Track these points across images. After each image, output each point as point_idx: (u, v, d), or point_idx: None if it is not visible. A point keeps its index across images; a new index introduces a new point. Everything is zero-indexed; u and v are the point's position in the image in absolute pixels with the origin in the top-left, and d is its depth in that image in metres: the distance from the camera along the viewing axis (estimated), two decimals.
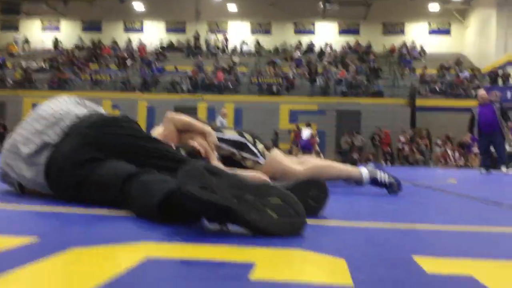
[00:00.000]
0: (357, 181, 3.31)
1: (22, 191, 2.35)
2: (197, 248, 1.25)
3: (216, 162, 2.97)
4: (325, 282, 0.96)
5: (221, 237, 1.41)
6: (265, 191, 1.45)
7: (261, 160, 3.24)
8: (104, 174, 1.97)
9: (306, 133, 17.56)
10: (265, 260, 1.14)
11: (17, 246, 1.19)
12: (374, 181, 3.21)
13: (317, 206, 1.88)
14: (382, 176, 3.20)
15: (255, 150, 3.25)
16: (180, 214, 1.60)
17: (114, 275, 0.94)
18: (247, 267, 1.03)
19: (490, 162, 10.21)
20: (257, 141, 3.31)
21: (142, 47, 26.97)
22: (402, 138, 19.91)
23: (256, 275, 0.98)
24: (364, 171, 3.25)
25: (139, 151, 2.12)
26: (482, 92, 10.52)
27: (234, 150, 3.22)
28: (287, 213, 1.44)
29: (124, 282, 0.91)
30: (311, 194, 1.85)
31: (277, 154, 3.35)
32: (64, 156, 2.06)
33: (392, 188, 3.17)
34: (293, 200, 1.47)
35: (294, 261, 1.17)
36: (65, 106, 2.33)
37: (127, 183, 1.85)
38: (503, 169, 9.84)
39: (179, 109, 21.12)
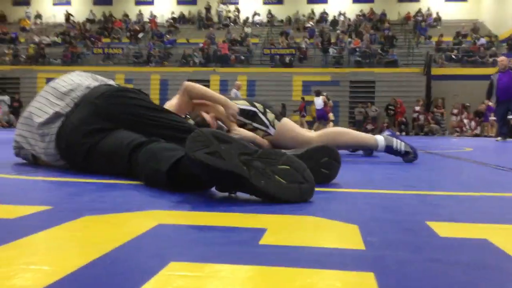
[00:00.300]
0: (372, 149, 3.28)
1: (36, 162, 2.39)
2: (209, 215, 1.26)
3: (236, 133, 2.96)
4: (337, 246, 0.96)
5: (233, 204, 1.41)
6: (273, 158, 1.44)
7: (271, 131, 3.21)
8: (112, 144, 1.98)
9: (318, 102, 17.13)
10: (277, 226, 1.14)
11: (32, 215, 1.21)
12: (389, 149, 3.17)
13: (329, 173, 1.87)
14: (398, 144, 3.16)
15: (265, 120, 3.22)
16: (188, 182, 1.59)
17: (127, 240, 0.94)
18: (259, 232, 1.03)
19: (507, 130, 10.12)
20: (267, 110, 3.26)
21: (153, 19, 26.78)
22: (417, 108, 19.68)
23: (267, 240, 0.97)
24: (379, 138, 3.20)
25: (148, 121, 2.12)
26: (502, 58, 10.36)
27: (246, 121, 3.20)
28: (296, 179, 1.44)
29: (137, 245, 0.92)
30: (323, 161, 1.83)
31: (287, 122, 3.31)
32: (73, 126, 2.07)
33: (408, 156, 3.14)
34: (301, 166, 1.46)
35: (306, 227, 1.16)
36: (77, 79, 2.34)
37: (135, 152, 1.85)
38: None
39: (192, 82, 21.06)
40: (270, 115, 3.25)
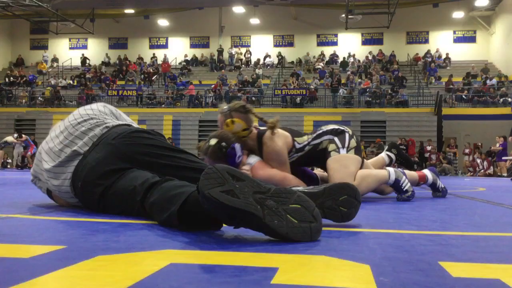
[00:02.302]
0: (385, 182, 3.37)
1: (50, 197, 2.42)
2: (221, 254, 1.26)
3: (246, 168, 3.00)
4: (349, 286, 0.95)
5: (244, 243, 1.42)
6: (285, 196, 1.45)
7: (342, 151, 3.24)
8: (126, 184, 2.00)
9: None
10: (288, 265, 1.14)
11: (46, 254, 1.22)
12: (396, 185, 3.31)
13: (347, 211, 1.79)
14: (404, 182, 3.32)
15: (346, 143, 3.27)
16: (200, 221, 1.60)
17: (140, 279, 0.95)
18: (270, 272, 1.04)
19: None
20: (354, 138, 3.36)
21: (165, 64, 27.27)
22: (428, 147, 19.60)
23: (279, 279, 0.98)
24: (391, 170, 3.34)
25: (163, 161, 2.15)
26: None
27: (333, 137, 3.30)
28: (306, 218, 1.44)
29: (150, 285, 0.92)
30: (342, 199, 1.78)
31: (349, 157, 3.31)
32: (90, 166, 2.10)
33: (405, 194, 3.30)
34: (311, 205, 1.47)
35: (317, 266, 1.16)
36: (98, 113, 2.39)
37: (148, 191, 1.87)
38: None
39: (203, 122, 21.34)
40: (353, 143, 3.30)
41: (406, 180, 3.32)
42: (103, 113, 2.47)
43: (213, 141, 2.83)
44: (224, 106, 3.20)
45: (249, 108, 3.18)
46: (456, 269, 1.10)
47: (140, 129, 2.33)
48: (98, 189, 2.06)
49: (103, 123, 2.31)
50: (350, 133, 3.36)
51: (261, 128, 3.26)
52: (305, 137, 3.33)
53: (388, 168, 3.38)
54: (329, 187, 1.78)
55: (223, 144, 2.83)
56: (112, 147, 2.15)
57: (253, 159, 3.21)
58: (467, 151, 18.99)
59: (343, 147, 3.25)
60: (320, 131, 3.36)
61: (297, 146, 3.27)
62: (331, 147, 3.25)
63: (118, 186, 2.02)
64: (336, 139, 3.28)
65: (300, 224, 1.43)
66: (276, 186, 1.49)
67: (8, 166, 19.09)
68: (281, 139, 3.17)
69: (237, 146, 2.86)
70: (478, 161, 18.14)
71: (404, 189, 3.30)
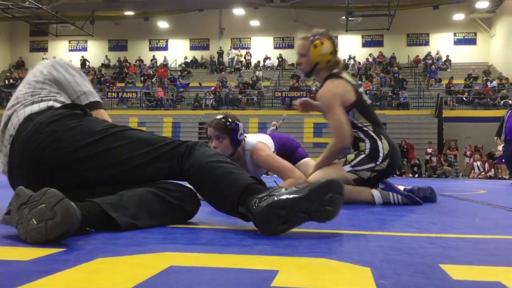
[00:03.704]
0: (370, 203, 3.09)
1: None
2: (221, 256, 1.26)
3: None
4: None
5: (245, 245, 1.41)
6: (37, 199, 1.40)
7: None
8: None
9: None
10: (289, 268, 1.14)
11: (46, 256, 1.22)
12: (387, 203, 3.07)
13: (333, 210, 1.65)
14: (395, 197, 3.08)
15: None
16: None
17: (140, 281, 0.95)
18: (270, 274, 1.03)
19: None
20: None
21: (161, 69, 27.15)
22: (429, 150, 19.60)
23: (279, 282, 0.97)
24: (376, 194, 3.08)
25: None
26: None
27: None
28: (45, 217, 1.35)
29: (150, 287, 0.92)
30: (327, 198, 1.63)
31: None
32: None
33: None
34: (52, 201, 1.35)
35: (318, 269, 1.16)
36: (22, 97, 1.89)
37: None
38: None
39: (204, 124, 21.36)
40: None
41: (395, 195, 3.08)
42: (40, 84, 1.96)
43: (219, 116, 3.20)
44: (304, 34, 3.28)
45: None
46: (457, 272, 1.10)
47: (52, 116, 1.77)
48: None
49: (21, 115, 1.81)
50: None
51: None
52: None
53: (372, 190, 3.10)
54: (314, 189, 1.63)
55: (229, 119, 3.15)
56: (23, 156, 1.73)
57: (254, 140, 3.26)
58: (468, 153, 18.99)
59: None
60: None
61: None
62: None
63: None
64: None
65: (38, 225, 1.34)
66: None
67: None
68: (340, 87, 3.15)
69: (241, 125, 3.14)
70: (478, 163, 18.14)
71: (400, 203, 3.06)
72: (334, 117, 3.08)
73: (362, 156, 3.10)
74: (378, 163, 3.08)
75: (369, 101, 3.37)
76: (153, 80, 26.24)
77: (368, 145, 3.11)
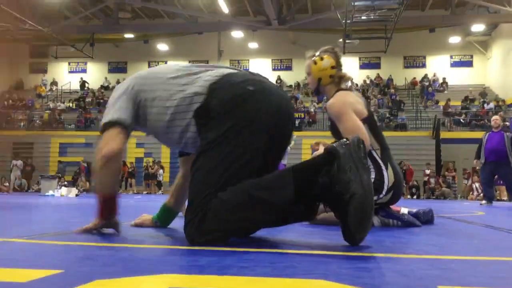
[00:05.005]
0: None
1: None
2: (219, 278, 1.25)
3: None
4: None
5: (244, 267, 1.41)
6: None
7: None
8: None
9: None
10: None
11: (43, 278, 1.21)
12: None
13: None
14: (394, 223, 3.03)
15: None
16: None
17: None
18: None
19: (493, 194, 9.70)
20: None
21: None
22: (427, 171, 19.61)
23: None
24: (375, 221, 3.02)
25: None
26: (496, 117, 10.05)
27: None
28: None
29: None
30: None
31: None
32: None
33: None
34: None
35: None
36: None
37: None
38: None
39: None
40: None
41: (396, 222, 3.02)
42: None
43: None
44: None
45: (339, 52, 3.18)
46: None
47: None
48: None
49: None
50: None
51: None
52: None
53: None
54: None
55: None
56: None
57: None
58: (465, 175, 19.00)
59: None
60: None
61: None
62: None
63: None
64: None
65: None
66: None
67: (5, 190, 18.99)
68: (351, 98, 3.04)
69: None
70: (476, 185, 18.11)
71: (400, 226, 3.01)
72: (348, 121, 2.90)
73: None
74: (381, 196, 2.89)
75: (378, 123, 3.25)
76: None
77: (373, 174, 2.86)
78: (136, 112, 2.16)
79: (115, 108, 2.15)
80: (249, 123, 1.95)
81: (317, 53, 3.21)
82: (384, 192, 2.90)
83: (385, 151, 3.04)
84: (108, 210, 2.19)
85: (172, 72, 2.17)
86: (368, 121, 3.00)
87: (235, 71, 2.19)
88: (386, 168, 2.94)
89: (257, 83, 2.08)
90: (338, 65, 3.17)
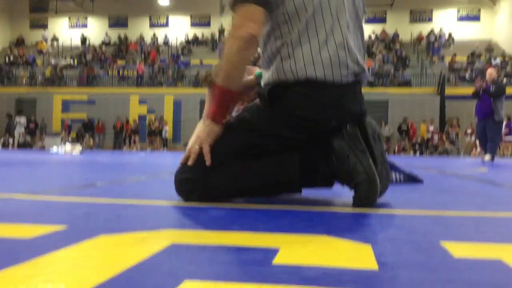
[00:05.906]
0: None
1: None
2: (222, 234, 1.26)
3: None
4: (350, 266, 0.95)
5: (245, 223, 1.42)
6: None
7: None
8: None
9: None
10: (290, 245, 1.14)
11: (48, 234, 1.22)
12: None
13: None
14: (396, 176, 3.07)
15: None
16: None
17: (141, 259, 0.95)
18: (272, 252, 1.04)
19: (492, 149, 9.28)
20: None
21: (154, 52, 26.76)
22: (431, 127, 19.57)
23: (280, 259, 0.98)
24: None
25: None
26: (491, 70, 9.53)
27: None
28: None
29: (151, 265, 0.92)
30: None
31: None
32: None
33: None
34: None
35: (319, 246, 1.16)
36: None
37: None
38: (486, 157, 9.11)
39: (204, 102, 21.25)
40: None
41: (397, 174, 3.07)
42: None
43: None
44: None
45: None
46: (458, 250, 1.10)
47: None
48: None
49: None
50: None
51: None
52: None
53: None
54: None
55: None
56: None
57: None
58: (469, 131, 18.95)
59: None
60: None
61: None
62: None
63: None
64: None
65: None
66: None
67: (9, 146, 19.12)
68: None
69: None
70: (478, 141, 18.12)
71: (402, 181, 3.06)
72: None
73: None
74: None
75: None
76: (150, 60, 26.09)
77: None
78: None
79: None
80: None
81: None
82: None
83: None
84: (224, 114, 1.84)
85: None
86: None
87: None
88: None
89: None
90: None
